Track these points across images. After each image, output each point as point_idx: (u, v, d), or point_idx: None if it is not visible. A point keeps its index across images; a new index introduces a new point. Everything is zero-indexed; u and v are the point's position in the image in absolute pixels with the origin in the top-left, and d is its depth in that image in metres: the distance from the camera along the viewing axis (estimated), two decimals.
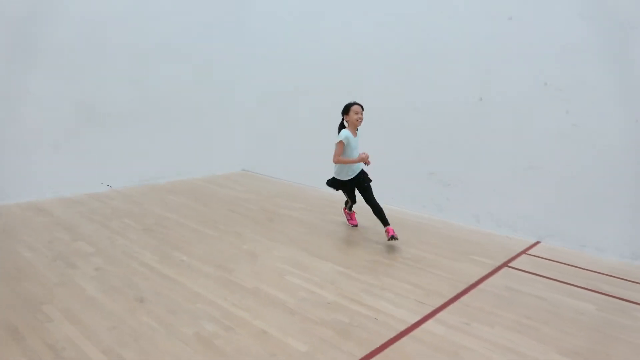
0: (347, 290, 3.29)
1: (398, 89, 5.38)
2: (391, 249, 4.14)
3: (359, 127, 4.36)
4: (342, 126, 4.37)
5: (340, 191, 4.69)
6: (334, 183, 4.51)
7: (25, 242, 4.03)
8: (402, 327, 2.79)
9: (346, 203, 4.82)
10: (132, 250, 3.91)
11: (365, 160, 4.20)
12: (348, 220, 4.82)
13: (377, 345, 2.58)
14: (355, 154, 4.28)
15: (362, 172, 4.41)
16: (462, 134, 4.89)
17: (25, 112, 5.16)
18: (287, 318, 2.88)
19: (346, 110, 4.31)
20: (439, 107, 5.05)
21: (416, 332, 2.74)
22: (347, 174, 4.38)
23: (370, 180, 4.39)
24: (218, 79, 7.00)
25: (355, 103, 4.29)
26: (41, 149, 5.32)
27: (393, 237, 4.05)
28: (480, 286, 3.42)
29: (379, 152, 5.59)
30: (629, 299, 3.28)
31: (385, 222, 4.21)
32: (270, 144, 7.12)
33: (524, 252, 4.19)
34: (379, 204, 4.25)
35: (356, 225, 4.75)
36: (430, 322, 2.88)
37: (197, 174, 6.89)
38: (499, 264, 3.88)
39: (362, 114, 4.27)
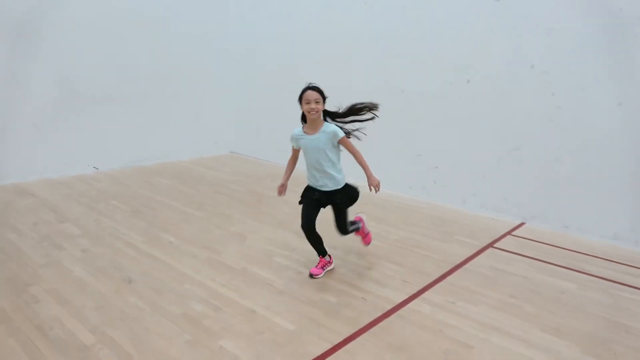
0: (334, 271, 3.32)
1: (384, 72, 5.36)
2: (377, 230, 4.17)
3: (315, 121, 3.09)
4: (303, 117, 3.21)
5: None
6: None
7: (9, 224, 3.98)
8: (389, 306, 2.83)
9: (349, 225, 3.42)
10: (119, 232, 3.89)
11: (278, 192, 3.31)
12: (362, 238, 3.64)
13: (364, 324, 2.62)
14: (310, 160, 3.14)
15: (340, 193, 3.19)
16: (449, 116, 4.90)
17: (7, 92, 5.04)
18: (275, 298, 2.91)
19: (299, 99, 3.10)
20: (426, 89, 5.05)
21: (402, 310, 2.79)
22: (310, 176, 3.24)
23: (348, 204, 3.27)
24: (206, 60, 6.89)
25: (308, 88, 3.05)
26: (23, 131, 5.22)
27: (311, 275, 3.19)
28: (466, 266, 3.48)
29: (366, 136, 5.62)
30: (610, 278, 3.36)
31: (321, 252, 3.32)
32: (258, 126, 7.08)
33: (508, 233, 4.26)
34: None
35: (316, 276, 3.21)
36: (416, 301, 2.92)
37: (184, 156, 6.83)
38: (484, 244, 3.94)
39: (316, 102, 2.99)
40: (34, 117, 5.27)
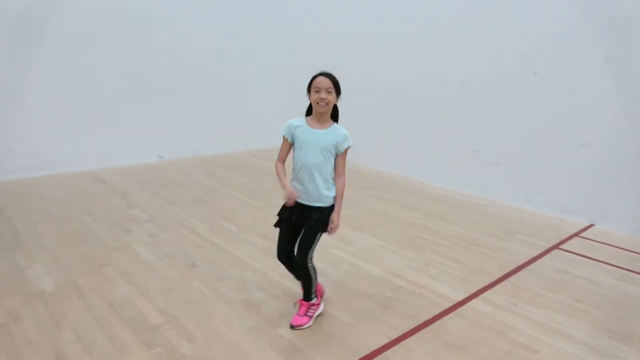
0: (391, 265, 3.30)
1: (444, 62, 5.21)
2: (433, 226, 4.09)
3: (323, 113, 2.48)
4: (308, 111, 2.59)
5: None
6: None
7: (84, 208, 4.27)
8: (447, 304, 2.79)
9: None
10: (183, 218, 4.07)
11: (290, 199, 2.40)
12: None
13: (422, 321, 2.59)
14: (303, 159, 2.42)
15: (319, 214, 2.45)
16: (513, 110, 4.70)
17: (85, 86, 5.38)
18: (332, 289, 2.94)
19: (308, 86, 2.52)
20: (488, 81, 4.86)
21: (462, 309, 2.73)
22: (293, 182, 2.49)
23: (323, 228, 2.48)
24: (262, 53, 7.01)
25: (320, 74, 2.47)
26: (97, 121, 5.56)
27: (292, 326, 2.51)
28: (529, 267, 3.35)
29: (423, 128, 5.52)
30: None
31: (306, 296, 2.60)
32: None
33: (576, 234, 4.05)
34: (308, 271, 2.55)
35: (293, 327, 2.51)
36: (476, 300, 2.85)
37: (242, 147, 7.01)
38: (549, 245, 3.77)
39: (328, 92, 2.42)
40: (108, 108, 5.60)
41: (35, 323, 2.46)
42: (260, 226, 3.97)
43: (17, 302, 2.66)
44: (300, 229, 2.49)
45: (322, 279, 3.05)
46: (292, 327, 2.50)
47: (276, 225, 2.57)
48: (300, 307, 2.57)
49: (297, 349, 2.32)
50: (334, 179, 2.51)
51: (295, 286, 2.94)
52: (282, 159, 2.50)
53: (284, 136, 2.51)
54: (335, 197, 2.50)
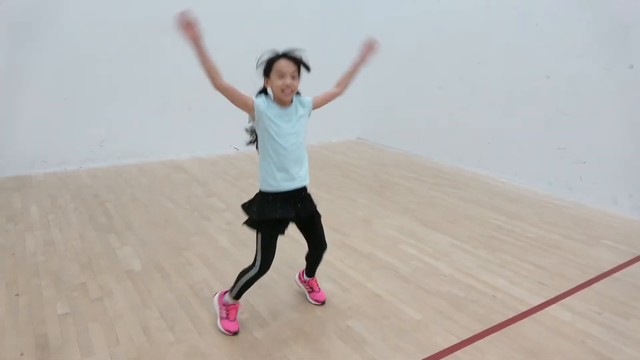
0: (463, 265, 3.22)
1: (528, 55, 4.94)
2: (509, 226, 3.92)
3: (298, 100, 2.27)
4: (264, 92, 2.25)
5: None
6: (250, 207, 2.40)
7: (167, 195, 4.57)
8: (523, 308, 2.68)
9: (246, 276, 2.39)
10: None
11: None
12: (221, 318, 2.44)
13: (495, 323, 2.51)
14: (289, 146, 2.19)
15: (309, 198, 2.42)
16: (604, 105, 4.36)
17: (170, 81, 5.73)
18: (401, 285, 2.93)
19: (266, 69, 2.17)
20: (577, 74, 4.54)
21: (538, 314, 2.61)
22: (275, 180, 2.24)
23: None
24: (334, 44, 7.05)
25: (284, 56, 2.13)
26: (180, 114, 5.90)
27: (323, 302, 2.67)
28: (616, 275, 3.12)
29: (503, 123, 5.28)
30: None
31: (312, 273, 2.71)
32: (385, 112, 7.07)
33: None
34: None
35: (236, 333, 2.36)
36: (554, 306, 2.71)
37: (313, 140, 7.11)
38: (639, 252, 3.48)
39: (292, 77, 2.11)
40: (189, 101, 5.92)
41: (125, 299, 2.69)
42: (329, 218, 4.02)
43: (110, 279, 2.92)
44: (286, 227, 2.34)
45: (390, 275, 3.06)
46: (323, 303, 2.66)
47: (262, 227, 2.29)
48: (313, 285, 2.71)
49: (364, 340, 2.35)
50: (335, 93, 2.50)
51: (365, 281, 2.96)
52: (233, 87, 2.10)
53: (250, 97, 2.15)
54: (351, 72, 2.54)
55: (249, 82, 2.51)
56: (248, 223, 2.36)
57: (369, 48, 2.48)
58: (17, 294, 2.72)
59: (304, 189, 2.35)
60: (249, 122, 2.30)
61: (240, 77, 2.73)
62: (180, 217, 4.01)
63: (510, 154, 5.28)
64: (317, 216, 2.48)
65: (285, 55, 2.13)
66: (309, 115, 2.33)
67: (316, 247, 2.57)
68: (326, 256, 3.27)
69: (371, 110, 7.33)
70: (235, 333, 2.37)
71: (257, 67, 2.19)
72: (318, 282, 2.76)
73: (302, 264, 2.90)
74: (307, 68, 2.20)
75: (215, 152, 6.22)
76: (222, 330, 2.39)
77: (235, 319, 2.42)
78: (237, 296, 2.41)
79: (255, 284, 2.61)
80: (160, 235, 3.62)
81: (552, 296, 2.82)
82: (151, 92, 5.67)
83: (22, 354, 2.20)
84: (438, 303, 2.73)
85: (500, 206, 4.44)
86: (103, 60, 5.31)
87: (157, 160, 5.79)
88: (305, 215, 2.37)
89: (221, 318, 2.43)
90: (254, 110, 2.15)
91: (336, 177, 5.33)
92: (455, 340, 2.36)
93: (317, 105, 2.38)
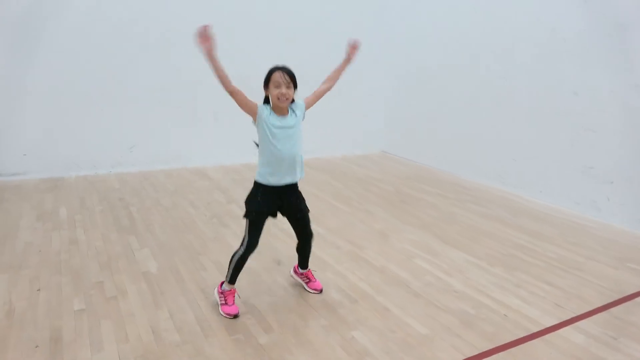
0: (476, 282, 3.16)
1: (554, 70, 4.84)
2: (530, 245, 3.82)
3: (291, 108, 2.59)
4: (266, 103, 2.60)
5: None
6: (250, 197, 2.65)
7: (189, 200, 4.69)
8: (534, 329, 2.60)
9: (235, 258, 2.70)
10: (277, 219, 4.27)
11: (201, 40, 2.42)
12: (221, 304, 2.67)
13: (504, 342, 2.46)
14: (284, 149, 2.50)
15: (297, 192, 2.72)
16: (630, 124, 4.22)
17: (197, 92, 5.90)
18: (411, 300, 2.90)
19: (266, 81, 2.54)
20: (606, 92, 4.42)
21: (550, 336, 2.53)
22: (273, 174, 2.56)
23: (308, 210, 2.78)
24: (361, 59, 7.09)
25: (278, 69, 2.49)
26: (206, 123, 6.06)
27: (320, 291, 2.93)
28: (638, 299, 2.99)
29: (528, 139, 5.18)
30: None
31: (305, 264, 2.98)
32: (411, 126, 7.03)
33: None
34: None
35: (236, 316, 2.60)
36: (567, 328, 2.63)
37: (337, 152, 7.15)
38: None
39: (287, 87, 2.46)
40: (215, 110, 6.07)
41: (138, 299, 2.78)
42: (346, 230, 4.03)
43: (126, 279, 3.02)
44: (271, 215, 2.68)
45: (401, 289, 3.04)
46: (320, 291, 2.91)
47: (250, 215, 2.60)
48: (308, 276, 2.96)
49: (367, 352, 2.34)
50: (327, 87, 2.87)
51: (375, 294, 2.96)
52: (239, 90, 2.52)
53: (257, 104, 2.53)
54: (340, 69, 2.93)
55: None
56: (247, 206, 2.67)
57: (353, 48, 2.87)
58: (39, 289, 2.85)
59: (293, 185, 2.65)
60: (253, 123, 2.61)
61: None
62: (199, 222, 4.10)
63: (536, 171, 5.16)
64: (303, 210, 2.76)
65: (281, 69, 2.50)
66: (303, 117, 2.66)
67: (302, 238, 2.87)
68: (338, 267, 3.31)
69: (396, 124, 7.32)
70: (235, 316, 2.60)
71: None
72: (311, 273, 2.98)
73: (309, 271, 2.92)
74: (295, 85, 2.54)
75: (239, 160, 6.32)
76: (224, 315, 2.61)
77: (233, 303, 2.65)
78: (232, 280, 2.68)
79: (267, 290, 2.78)
80: (179, 239, 3.71)
81: (567, 318, 2.73)
82: (180, 101, 5.86)
83: (36, 346, 2.30)
84: (447, 319, 2.69)
85: (523, 225, 4.34)
86: (135, 70, 5.54)
87: (183, 166, 5.95)
88: (290, 209, 2.70)
89: (221, 305, 2.66)
90: (256, 114, 2.52)
91: (357, 190, 5.34)
92: (460, 357, 2.31)
93: (309, 104, 2.73)
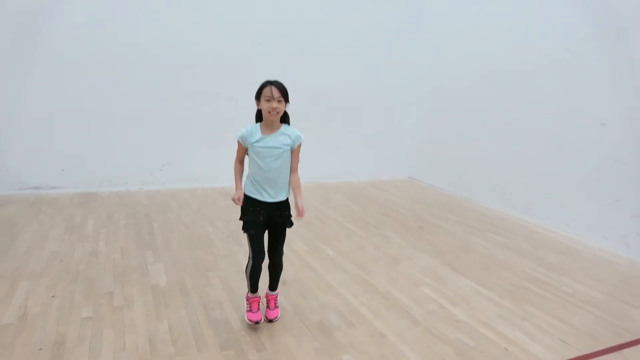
0: (481, 313, 3.08)
1: (583, 98, 4.71)
2: (547, 279, 3.69)
3: (277, 124, 2.64)
4: (258, 116, 2.70)
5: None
6: (241, 211, 2.75)
7: (209, 219, 4.84)
8: None
9: (248, 270, 2.80)
10: (289, 238, 4.29)
11: (235, 201, 2.69)
12: (247, 311, 2.80)
13: None
14: (266, 168, 2.60)
15: (286, 207, 2.74)
16: None
17: (223, 111, 6.13)
18: (409, 327, 2.86)
19: (257, 95, 2.61)
20: (634, 122, 4.26)
21: None
22: (255, 188, 2.66)
23: (291, 224, 2.78)
24: (390, 78, 7.16)
25: (270, 83, 2.55)
26: (231, 143, 6.25)
27: (271, 320, 2.84)
28: None
29: (555, 169, 5.03)
30: None
31: (274, 286, 2.93)
32: (437, 153, 6.98)
33: None
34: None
35: (257, 322, 2.72)
36: None
37: (363, 177, 7.17)
38: None
39: (279, 101, 2.53)
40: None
41: (142, 310, 2.89)
42: (357, 254, 4.04)
43: (135, 291, 3.15)
44: (266, 227, 2.72)
45: (401, 315, 3.01)
46: (271, 320, 2.81)
47: (247, 229, 2.67)
48: (269, 301, 2.89)
49: None
50: (293, 171, 2.71)
51: (373, 319, 2.94)
52: (240, 159, 2.75)
53: (238, 141, 2.68)
54: (296, 188, 2.72)
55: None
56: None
57: (298, 215, 2.71)
58: (54, 296, 3.02)
59: (275, 203, 2.68)
60: None
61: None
62: (215, 240, 4.22)
63: (562, 202, 4.99)
64: (282, 231, 2.79)
65: (272, 83, 2.56)
66: (292, 148, 2.68)
67: (271, 257, 2.84)
68: (341, 290, 3.31)
69: (423, 150, 7.28)
70: (256, 322, 2.71)
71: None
72: (273, 302, 2.90)
73: (312, 293, 2.94)
74: (286, 100, 2.60)
75: None
76: (246, 321, 2.74)
77: (257, 310, 2.77)
78: (252, 289, 2.79)
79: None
80: (192, 255, 3.84)
81: (573, 356, 2.61)
82: (208, 123, 6.10)
83: (40, 349, 2.44)
84: (443, 349, 2.63)
85: (543, 257, 4.19)
86: (169, 93, 5.85)
87: (209, 186, 6.15)
88: (270, 224, 2.72)
89: (246, 311, 2.79)
90: (245, 144, 2.67)
91: (376, 214, 5.33)
92: None
93: (294, 153, 2.70)
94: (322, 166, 6.87)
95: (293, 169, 2.71)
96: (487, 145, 5.96)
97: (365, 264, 3.85)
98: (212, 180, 6.18)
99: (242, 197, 2.68)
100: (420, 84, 7.18)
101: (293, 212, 2.71)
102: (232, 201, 2.72)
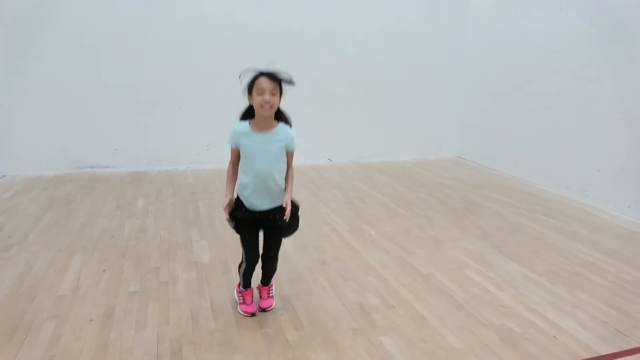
0: (530, 299, 2.94)
1: None
2: (604, 264, 3.46)
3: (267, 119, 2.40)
4: (247, 113, 2.46)
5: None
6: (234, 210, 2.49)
7: None
8: (585, 355, 2.37)
9: (241, 269, 2.71)
10: (330, 217, 4.32)
11: (225, 209, 2.44)
12: (239, 303, 2.72)
13: None
14: (258, 168, 2.36)
15: (280, 210, 2.43)
16: None
17: None
18: (451, 311, 2.78)
19: (249, 88, 2.34)
20: None
21: None
22: (244, 189, 2.44)
23: (293, 228, 2.57)
24: (438, 58, 6.89)
25: (263, 74, 2.29)
26: None
27: (264, 309, 2.70)
28: None
29: (616, 148, 4.68)
30: None
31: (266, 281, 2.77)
32: (487, 131, 6.67)
33: None
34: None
35: (253, 314, 2.64)
36: (627, 358, 2.35)
37: (408, 157, 7.00)
38: None
39: (272, 94, 2.28)
40: (290, 112, 6.25)
41: (186, 286, 2.98)
42: (399, 235, 3.96)
43: (180, 267, 3.25)
44: (259, 224, 2.50)
45: (443, 298, 2.93)
46: (264, 310, 2.68)
47: (239, 229, 2.50)
48: (261, 292, 2.75)
49: (392, 359, 2.29)
50: (287, 172, 2.50)
51: (414, 301, 2.88)
52: (234, 162, 2.49)
53: (231, 146, 2.44)
54: (288, 184, 2.50)
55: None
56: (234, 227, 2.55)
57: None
58: (104, 270, 3.16)
59: (268, 210, 2.46)
60: None
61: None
62: None
63: (625, 184, 4.65)
64: (277, 232, 2.57)
65: (265, 74, 2.28)
66: (286, 149, 2.45)
67: (264, 258, 2.66)
68: (382, 271, 3.27)
69: (472, 128, 6.98)
70: (252, 314, 2.64)
71: (241, 83, 2.37)
72: (266, 292, 2.76)
73: (352, 274, 2.91)
74: (290, 82, 2.35)
75: (309, 161, 6.46)
76: (242, 313, 2.66)
77: (251, 302, 2.69)
78: (245, 285, 2.70)
79: (306, 288, 2.93)
80: (234, 233, 3.88)
81: (628, 347, 2.44)
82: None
83: (91, 320, 2.56)
84: (486, 335, 2.54)
85: (599, 241, 3.94)
86: (215, 76, 5.91)
87: None
88: (264, 224, 2.52)
89: (239, 304, 2.71)
90: (237, 146, 2.43)
91: (421, 195, 5.20)
92: None
93: (288, 155, 2.49)
94: (366, 145, 6.78)
95: (288, 165, 2.49)
96: (541, 123, 5.63)
97: (407, 244, 3.77)
98: None
99: (232, 202, 2.45)
100: (468, 59, 6.85)
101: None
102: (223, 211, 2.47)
